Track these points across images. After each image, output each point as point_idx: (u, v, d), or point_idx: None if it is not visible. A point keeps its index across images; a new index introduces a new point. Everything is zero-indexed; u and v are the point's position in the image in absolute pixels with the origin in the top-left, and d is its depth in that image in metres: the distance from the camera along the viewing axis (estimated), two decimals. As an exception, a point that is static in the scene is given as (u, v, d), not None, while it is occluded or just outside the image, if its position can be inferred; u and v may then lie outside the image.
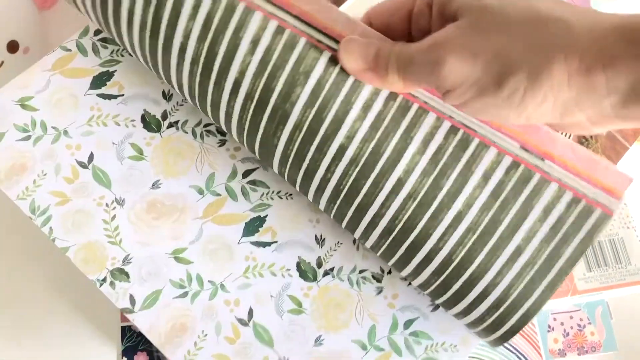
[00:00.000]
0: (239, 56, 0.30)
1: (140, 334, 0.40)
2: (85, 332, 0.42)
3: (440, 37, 0.26)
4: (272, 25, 0.29)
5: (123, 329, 0.40)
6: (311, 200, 0.34)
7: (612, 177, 0.29)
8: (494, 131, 0.30)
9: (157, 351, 0.40)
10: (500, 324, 0.30)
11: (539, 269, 0.28)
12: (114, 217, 0.37)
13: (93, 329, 0.42)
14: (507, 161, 0.29)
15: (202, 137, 0.39)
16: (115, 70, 0.40)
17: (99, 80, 0.39)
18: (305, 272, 0.37)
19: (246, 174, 0.38)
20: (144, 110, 0.39)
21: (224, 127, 0.34)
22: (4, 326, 0.42)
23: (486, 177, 0.29)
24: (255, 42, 0.29)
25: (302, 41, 0.29)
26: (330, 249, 0.37)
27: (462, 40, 0.25)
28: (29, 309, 0.42)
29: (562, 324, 0.43)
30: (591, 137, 0.44)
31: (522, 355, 0.42)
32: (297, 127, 0.30)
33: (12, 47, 0.44)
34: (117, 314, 0.41)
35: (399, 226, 0.30)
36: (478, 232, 0.29)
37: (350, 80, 0.29)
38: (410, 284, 0.37)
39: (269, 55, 0.29)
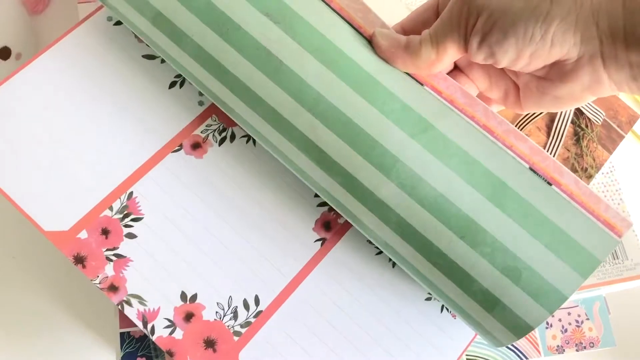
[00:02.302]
0: None
1: (139, 340, 0.40)
2: (85, 339, 0.42)
3: None
4: None
5: (122, 335, 0.40)
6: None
7: (613, 216, 0.30)
8: (506, 149, 0.30)
9: (157, 357, 0.40)
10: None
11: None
12: None
13: (92, 336, 0.42)
14: None
15: None
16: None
17: None
18: None
19: None
20: None
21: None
22: (1, 334, 0.42)
23: None
24: None
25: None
26: None
27: None
28: (27, 315, 0.42)
29: (560, 320, 0.43)
30: (587, 126, 0.44)
31: (520, 352, 0.42)
32: None
33: (4, 53, 0.44)
34: (116, 320, 0.40)
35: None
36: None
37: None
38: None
39: None
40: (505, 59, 0.28)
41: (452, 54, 0.29)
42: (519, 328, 0.29)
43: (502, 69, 0.33)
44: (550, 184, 0.30)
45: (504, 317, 0.29)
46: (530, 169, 0.30)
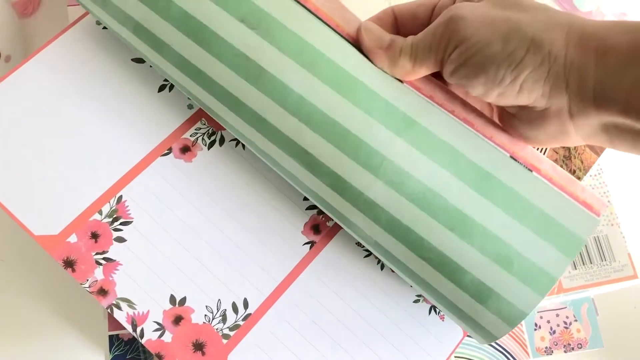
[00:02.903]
0: None
1: (128, 343, 0.40)
2: (73, 341, 0.42)
3: (460, 4, 0.29)
4: None
5: (111, 337, 0.40)
6: None
7: (589, 197, 0.31)
8: (487, 140, 0.31)
9: (145, 359, 0.40)
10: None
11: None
12: None
13: (81, 338, 0.42)
14: None
15: None
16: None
17: None
18: None
19: None
20: None
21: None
22: (-7, 336, 0.42)
23: None
24: None
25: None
26: None
27: (481, 8, 0.28)
28: (15, 318, 0.42)
29: (548, 322, 0.44)
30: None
31: (509, 354, 0.43)
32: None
33: (-6, 56, 0.44)
34: (105, 323, 0.40)
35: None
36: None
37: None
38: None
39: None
40: (474, 92, 0.29)
41: (427, 70, 0.30)
42: (513, 316, 0.29)
43: None
44: (530, 170, 0.30)
45: (498, 307, 0.30)
46: (511, 157, 0.30)
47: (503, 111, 0.31)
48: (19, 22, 0.47)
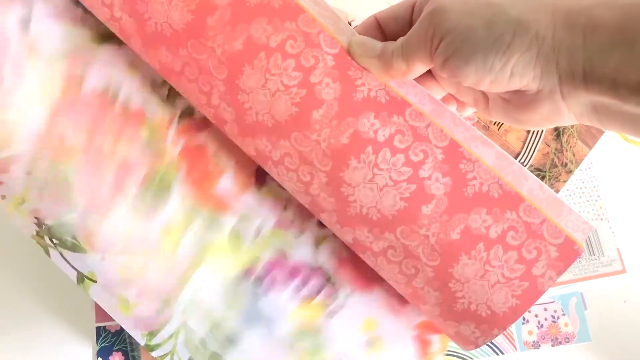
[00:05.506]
0: None
1: (115, 334, 0.41)
2: (60, 333, 0.42)
3: None
4: None
5: (98, 329, 0.41)
6: None
7: (574, 223, 0.31)
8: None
9: (132, 351, 0.40)
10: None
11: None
12: None
13: (68, 330, 0.42)
14: None
15: None
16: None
17: None
18: None
19: None
20: None
21: None
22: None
23: None
24: None
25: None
26: None
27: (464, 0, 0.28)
28: (2, 309, 0.42)
29: (536, 315, 0.44)
30: (566, 124, 0.44)
31: (496, 347, 0.43)
32: None
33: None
34: (92, 314, 0.41)
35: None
36: None
37: None
38: None
39: None
40: (466, 82, 0.28)
41: (421, 66, 0.30)
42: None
43: None
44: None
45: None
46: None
47: (497, 98, 0.31)
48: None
